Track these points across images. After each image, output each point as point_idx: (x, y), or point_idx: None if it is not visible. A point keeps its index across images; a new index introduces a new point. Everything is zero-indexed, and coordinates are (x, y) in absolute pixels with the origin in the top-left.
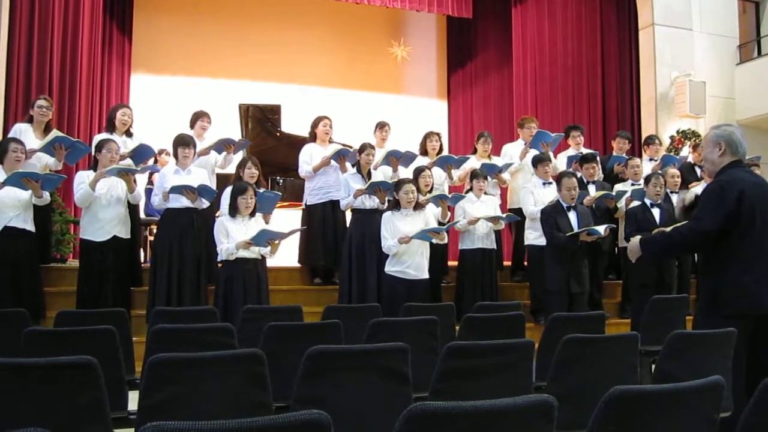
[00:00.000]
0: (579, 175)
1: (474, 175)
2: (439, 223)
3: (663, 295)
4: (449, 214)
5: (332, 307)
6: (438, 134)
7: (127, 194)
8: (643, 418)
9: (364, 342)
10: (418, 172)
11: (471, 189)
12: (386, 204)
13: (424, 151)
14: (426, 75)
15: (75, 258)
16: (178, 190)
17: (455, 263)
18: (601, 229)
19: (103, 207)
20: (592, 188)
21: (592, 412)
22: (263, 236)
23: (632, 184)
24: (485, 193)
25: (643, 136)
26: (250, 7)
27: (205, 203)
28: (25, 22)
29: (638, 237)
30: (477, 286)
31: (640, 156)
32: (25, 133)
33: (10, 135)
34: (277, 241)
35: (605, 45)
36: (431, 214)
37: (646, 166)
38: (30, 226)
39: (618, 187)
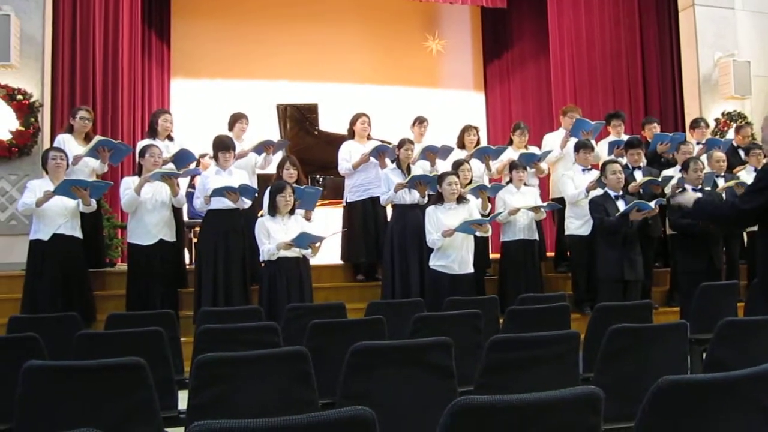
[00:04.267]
0: (624, 161)
1: (513, 165)
2: (481, 215)
3: (712, 281)
4: (489, 205)
5: (375, 303)
6: (476, 128)
7: (172, 198)
8: (694, 408)
9: (408, 337)
10: (457, 165)
11: (510, 180)
12: (426, 198)
13: (461, 145)
14: (462, 67)
15: (123, 262)
16: (219, 192)
17: (497, 256)
18: (652, 203)
19: (148, 211)
20: (638, 174)
21: (641, 403)
22: (304, 240)
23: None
24: (525, 184)
25: (687, 120)
26: (284, 8)
27: (247, 203)
28: (67, 33)
29: (697, 197)
30: (520, 278)
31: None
32: (67, 142)
33: (54, 145)
34: (317, 244)
35: (644, 29)
36: (475, 207)
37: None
38: (78, 233)
39: (665, 173)
